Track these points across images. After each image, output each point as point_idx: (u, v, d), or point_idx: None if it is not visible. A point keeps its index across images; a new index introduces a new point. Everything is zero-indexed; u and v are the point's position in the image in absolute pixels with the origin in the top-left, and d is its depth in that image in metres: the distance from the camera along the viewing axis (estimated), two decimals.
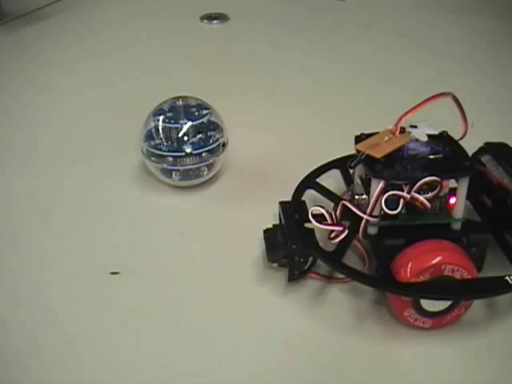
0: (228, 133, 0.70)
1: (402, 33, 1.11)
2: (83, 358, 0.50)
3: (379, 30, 1.12)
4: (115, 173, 0.73)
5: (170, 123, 0.67)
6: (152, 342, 0.52)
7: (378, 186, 0.51)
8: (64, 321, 0.54)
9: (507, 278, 0.50)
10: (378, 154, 0.51)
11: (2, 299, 0.56)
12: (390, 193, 0.50)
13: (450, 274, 0.49)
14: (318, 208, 0.53)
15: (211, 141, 0.67)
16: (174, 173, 0.68)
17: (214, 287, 0.57)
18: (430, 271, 0.49)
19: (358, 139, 0.55)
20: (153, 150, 0.67)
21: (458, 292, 0.50)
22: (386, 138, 0.53)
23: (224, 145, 0.69)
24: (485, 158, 0.60)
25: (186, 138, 0.66)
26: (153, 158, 0.67)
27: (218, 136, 0.68)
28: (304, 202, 0.59)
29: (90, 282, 0.58)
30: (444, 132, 0.55)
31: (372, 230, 0.53)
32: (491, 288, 0.50)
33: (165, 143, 0.66)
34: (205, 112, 0.68)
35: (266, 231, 0.57)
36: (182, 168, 0.67)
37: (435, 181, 0.50)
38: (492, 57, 1.01)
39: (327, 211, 0.53)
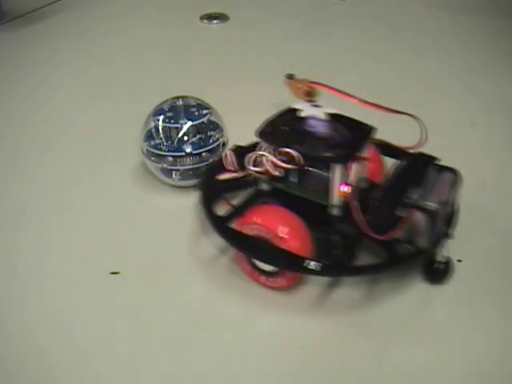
0: (228, 133, 0.70)
1: (403, 32, 1.11)
2: (83, 357, 0.50)
3: (379, 29, 1.12)
4: (115, 173, 0.73)
5: (170, 123, 0.67)
6: (151, 342, 0.52)
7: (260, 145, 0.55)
8: (64, 320, 0.54)
9: (307, 263, 0.52)
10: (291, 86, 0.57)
11: (1, 299, 0.56)
12: (256, 153, 0.55)
13: (270, 238, 0.53)
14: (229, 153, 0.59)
15: (211, 141, 0.67)
16: (173, 172, 0.68)
17: (215, 287, 0.57)
18: (252, 227, 0.53)
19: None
20: (153, 150, 0.67)
21: (267, 256, 0.53)
22: (303, 87, 0.60)
23: (224, 145, 0.69)
24: None
25: (185, 138, 0.66)
26: (153, 158, 0.67)
27: (217, 136, 0.68)
28: None
29: (90, 282, 0.58)
30: (359, 122, 0.57)
31: (264, 187, 0.57)
32: (289, 263, 0.53)
33: (165, 143, 0.66)
34: (205, 112, 0.68)
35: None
36: (181, 168, 0.67)
37: (289, 153, 0.53)
38: (494, 56, 1.01)
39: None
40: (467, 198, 0.61)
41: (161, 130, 0.67)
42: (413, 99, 0.85)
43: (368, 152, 0.58)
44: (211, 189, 0.60)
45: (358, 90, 0.90)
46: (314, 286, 0.57)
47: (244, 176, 0.58)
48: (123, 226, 0.65)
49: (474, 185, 0.63)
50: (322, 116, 0.55)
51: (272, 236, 0.53)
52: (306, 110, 0.55)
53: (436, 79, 0.93)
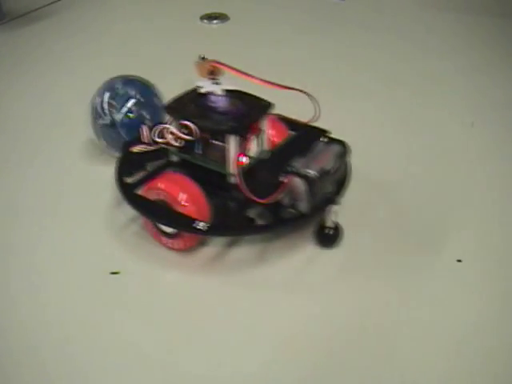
0: None
1: (402, 32, 1.11)
2: (83, 356, 0.52)
3: (379, 29, 1.13)
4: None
5: (114, 100, 0.73)
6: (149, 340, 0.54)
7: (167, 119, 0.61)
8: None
9: (196, 223, 0.57)
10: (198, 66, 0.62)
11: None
12: (160, 125, 0.61)
13: (171, 203, 0.59)
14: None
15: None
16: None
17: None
18: (155, 192, 0.59)
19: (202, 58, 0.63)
20: (101, 125, 0.73)
21: (162, 218, 0.59)
22: (207, 66, 0.62)
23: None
24: None
25: (130, 114, 0.72)
26: (101, 133, 0.73)
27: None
28: None
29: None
30: (258, 98, 0.62)
31: (174, 158, 0.63)
32: (180, 224, 0.58)
33: (110, 118, 0.72)
34: (148, 90, 0.75)
35: None
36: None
37: (187, 126, 0.59)
38: (493, 55, 1.01)
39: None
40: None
41: (106, 106, 0.73)
42: (410, 97, 0.89)
43: (274, 126, 0.63)
44: (125, 159, 0.66)
45: (357, 88, 0.91)
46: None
47: (158, 149, 0.64)
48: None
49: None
50: (220, 92, 0.60)
51: (172, 201, 0.59)
52: (206, 86, 0.61)
53: (435, 78, 0.94)
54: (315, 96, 0.63)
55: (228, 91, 0.61)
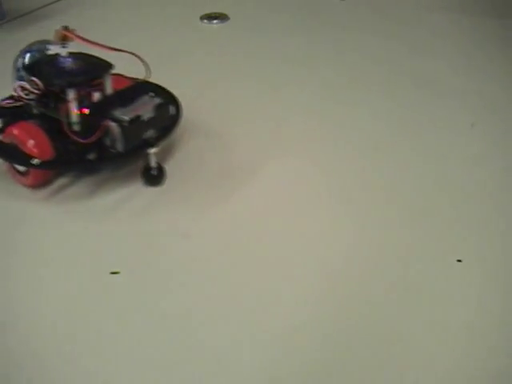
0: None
1: (402, 32, 1.13)
2: (83, 356, 0.54)
3: (379, 29, 1.15)
4: None
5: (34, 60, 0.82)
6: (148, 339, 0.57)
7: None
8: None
9: (32, 160, 0.68)
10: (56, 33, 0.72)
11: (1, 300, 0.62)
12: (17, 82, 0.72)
13: (21, 146, 0.69)
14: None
15: None
16: None
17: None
18: (9, 137, 0.70)
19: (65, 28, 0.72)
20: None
21: (9, 156, 0.71)
22: (59, 33, 0.71)
23: None
24: None
25: None
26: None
27: None
28: None
29: None
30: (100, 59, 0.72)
31: (34, 111, 0.73)
32: (21, 160, 0.70)
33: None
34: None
35: None
36: None
37: (35, 82, 0.70)
38: (491, 56, 1.02)
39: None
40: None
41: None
42: (410, 96, 0.91)
43: (119, 82, 0.74)
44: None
45: (357, 87, 0.94)
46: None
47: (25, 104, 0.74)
48: None
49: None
50: (64, 54, 0.71)
51: (22, 145, 0.70)
52: (54, 49, 0.72)
53: (434, 77, 0.96)
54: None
55: (74, 54, 0.72)
